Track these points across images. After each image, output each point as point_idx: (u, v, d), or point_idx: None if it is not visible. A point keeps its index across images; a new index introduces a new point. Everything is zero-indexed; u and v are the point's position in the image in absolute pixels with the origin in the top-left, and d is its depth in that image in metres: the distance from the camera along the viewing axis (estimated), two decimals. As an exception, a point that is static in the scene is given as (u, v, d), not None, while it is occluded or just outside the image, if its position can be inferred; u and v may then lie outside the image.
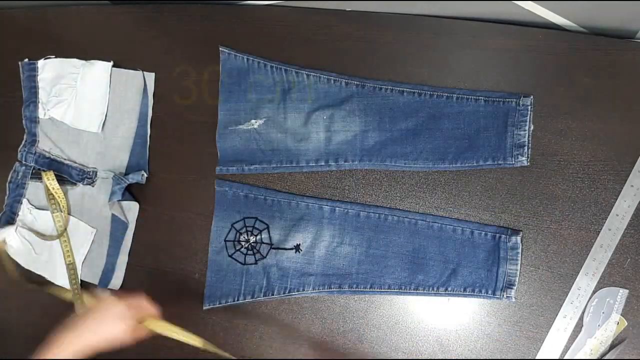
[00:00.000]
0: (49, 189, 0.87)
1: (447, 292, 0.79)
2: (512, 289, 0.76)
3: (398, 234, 0.81)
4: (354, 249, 0.82)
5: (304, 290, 0.82)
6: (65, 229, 0.88)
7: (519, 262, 0.76)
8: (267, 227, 0.84)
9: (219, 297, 0.85)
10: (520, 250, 0.76)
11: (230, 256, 0.85)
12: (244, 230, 0.85)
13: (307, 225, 0.83)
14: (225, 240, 0.85)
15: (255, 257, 0.84)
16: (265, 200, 0.84)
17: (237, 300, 0.84)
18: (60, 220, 0.88)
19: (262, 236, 0.84)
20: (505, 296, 0.77)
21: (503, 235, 0.77)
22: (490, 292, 0.77)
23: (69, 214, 0.89)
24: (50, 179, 0.87)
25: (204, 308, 0.85)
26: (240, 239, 0.85)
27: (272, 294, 0.83)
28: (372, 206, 0.82)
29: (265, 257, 0.84)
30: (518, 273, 0.77)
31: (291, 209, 0.84)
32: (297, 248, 0.83)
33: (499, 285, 0.77)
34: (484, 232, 0.78)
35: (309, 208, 0.83)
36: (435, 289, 0.79)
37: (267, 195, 0.84)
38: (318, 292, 0.82)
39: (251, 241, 0.85)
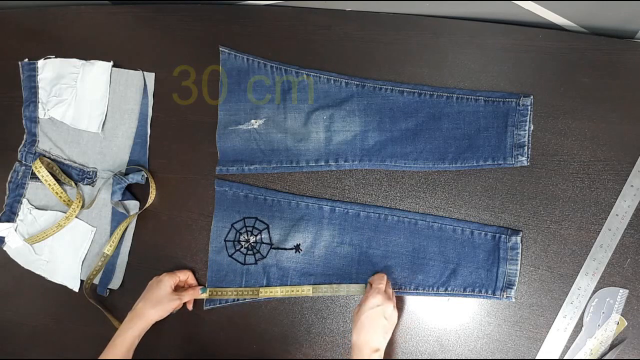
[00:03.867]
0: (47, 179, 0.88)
1: (447, 292, 0.79)
2: (512, 289, 0.76)
3: (398, 234, 0.81)
4: (353, 249, 0.82)
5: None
6: (81, 202, 0.89)
7: (519, 262, 0.76)
8: (267, 227, 0.84)
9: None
10: (520, 251, 0.76)
11: (230, 256, 0.85)
12: (244, 230, 0.85)
13: (307, 225, 0.83)
14: (225, 240, 0.85)
15: (255, 257, 0.84)
16: (265, 200, 0.84)
17: (237, 300, 0.84)
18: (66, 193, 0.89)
19: (262, 236, 0.84)
20: (505, 296, 0.77)
21: (503, 236, 0.77)
22: (490, 292, 0.77)
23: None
24: (38, 167, 0.86)
25: (204, 308, 0.85)
26: (240, 239, 0.85)
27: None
28: (372, 206, 0.82)
29: (265, 257, 0.84)
30: (518, 273, 0.77)
31: (291, 209, 0.84)
32: (297, 248, 0.83)
33: (499, 285, 0.77)
34: (483, 232, 0.78)
35: (309, 208, 0.83)
36: (435, 289, 0.79)
37: (267, 195, 0.84)
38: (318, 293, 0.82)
39: (251, 241, 0.85)
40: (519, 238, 0.77)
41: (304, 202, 0.83)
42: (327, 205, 0.83)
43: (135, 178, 0.86)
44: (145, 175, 0.87)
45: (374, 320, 0.71)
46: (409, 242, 0.80)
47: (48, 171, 0.87)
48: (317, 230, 0.83)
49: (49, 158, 0.90)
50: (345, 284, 0.81)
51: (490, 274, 0.78)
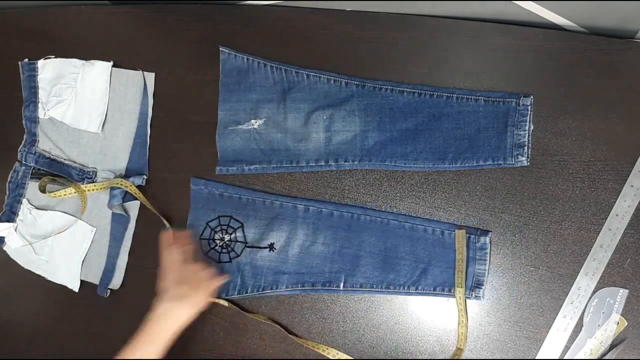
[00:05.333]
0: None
1: (417, 291, 0.79)
2: (480, 288, 0.77)
3: (370, 234, 0.81)
4: (327, 248, 0.82)
5: (277, 288, 0.83)
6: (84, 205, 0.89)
7: (488, 262, 0.77)
8: (242, 226, 0.84)
9: None
10: (488, 251, 0.77)
11: (205, 254, 0.85)
12: (218, 228, 0.85)
13: (281, 224, 0.83)
14: (200, 239, 0.85)
15: (229, 256, 0.84)
16: (240, 199, 0.85)
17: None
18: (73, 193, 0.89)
19: (237, 235, 0.84)
20: (474, 296, 0.77)
21: (472, 236, 0.78)
22: None
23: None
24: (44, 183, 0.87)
25: None
26: (215, 237, 0.85)
27: (246, 292, 0.83)
28: (345, 205, 0.82)
29: (240, 255, 0.84)
30: (487, 273, 0.77)
31: (265, 208, 0.84)
32: (271, 247, 0.83)
33: (468, 285, 0.77)
34: (454, 233, 0.78)
35: (282, 207, 0.83)
36: (406, 288, 0.79)
37: (242, 194, 0.85)
38: (291, 291, 0.82)
39: (226, 239, 0.85)
40: (487, 239, 0.77)
41: (278, 201, 0.83)
42: (301, 205, 0.83)
43: (136, 182, 0.86)
44: (146, 177, 0.87)
45: None
46: (380, 241, 0.81)
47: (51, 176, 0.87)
48: (291, 229, 0.83)
49: (48, 158, 0.90)
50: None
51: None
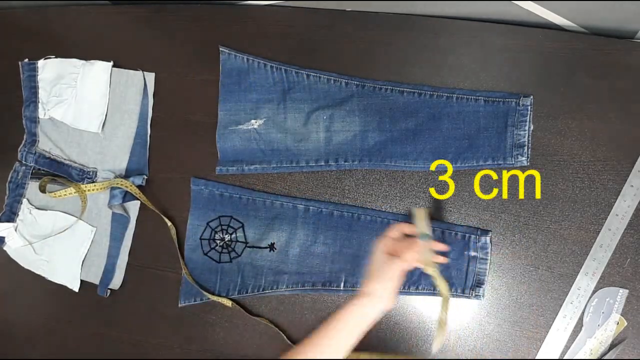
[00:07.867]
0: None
1: (417, 291, 0.79)
2: (480, 287, 0.77)
3: (370, 233, 0.81)
4: (327, 248, 0.82)
5: (277, 288, 0.83)
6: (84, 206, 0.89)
7: (488, 261, 0.77)
8: (242, 226, 0.84)
9: (194, 294, 0.85)
10: (489, 250, 0.77)
11: (205, 254, 0.85)
12: (219, 228, 0.85)
13: (281, 224, 0.83)
14: (200, 239, 0.85)
15: (230, 256, 0.84)
16: (240, 199, 0.85)
17: (208, 299, 0.84)
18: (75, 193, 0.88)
19: (237, 235, 0.84)
20: (474, 295, 0.77)
21: (473, 236, 0.78)
22: (459, 290, 0.78)
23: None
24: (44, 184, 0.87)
25: (179, 305, 0.85)
26: (216, 238, 0.85)
27: (246, 292, 0.83)
28: (345, 205, 0.82)
29: (240, 255, 0.84)
30: (487, 272, 0.77)
31: (266, 208, 0.84)
32: (271, 247, 0.83)
33: (469, 284, 0.77)
34: (454, 232, 0.78)
35: (283, 207, 0.83)
36: (406, 288, 0.79)
37: (242, 194, 0.85)
38: (292, 291, 0.82)
39: (226, 239, 0.85)
40: (488, 238, 0.77)
41: (279, 201, 0.83)
42: (301, 205, 0.83)
43: (136, 181, 0.86)
44: (146, 177, 0.87)
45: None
46: None
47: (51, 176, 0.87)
48: (292, 229, 0.83)
49: (49, 158, 0.90)
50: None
51: (460, 273, 0.78)
